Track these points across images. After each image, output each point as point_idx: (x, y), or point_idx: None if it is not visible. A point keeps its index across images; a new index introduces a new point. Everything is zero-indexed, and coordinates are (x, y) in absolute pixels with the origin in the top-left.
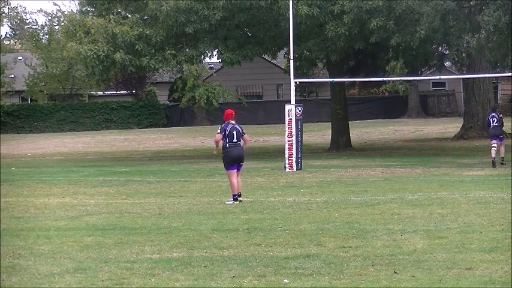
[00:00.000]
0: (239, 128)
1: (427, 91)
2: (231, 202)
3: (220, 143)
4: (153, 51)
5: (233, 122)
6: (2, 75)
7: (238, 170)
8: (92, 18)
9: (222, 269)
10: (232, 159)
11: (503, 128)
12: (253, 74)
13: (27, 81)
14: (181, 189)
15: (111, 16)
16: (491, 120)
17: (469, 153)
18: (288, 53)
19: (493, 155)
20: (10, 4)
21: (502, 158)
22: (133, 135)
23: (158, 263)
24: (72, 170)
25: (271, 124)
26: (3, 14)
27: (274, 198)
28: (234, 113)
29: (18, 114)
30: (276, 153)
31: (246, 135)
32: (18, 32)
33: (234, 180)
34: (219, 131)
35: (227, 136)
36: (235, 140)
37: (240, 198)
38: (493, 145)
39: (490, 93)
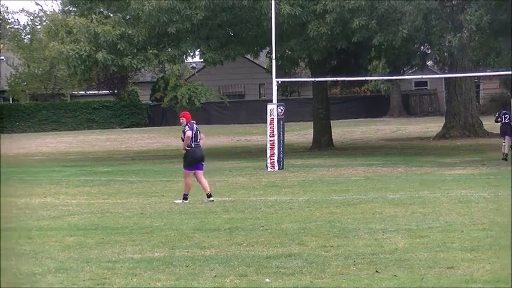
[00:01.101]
0: (199, 129)
1: (409, 90)
2: (181, 201)
3: (189, 141)
4: (135, 50)
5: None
6: None
7: (201, 170)
8: (74, 17)
9: (204, 269)
10: (196, 159)
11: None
12: (236, 73)
13: (9, 81)
14: (163, 189)
15: (93, 16)
16: (503, 117)
17: (451, 152)
18: (270, 52)
19: (505, 151)
20: None
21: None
22: (115, 135)
23: (140, 263)
24: (54, 169)
25: (253, 124)
26: None
27: (256, 197)
28: (189, 115)
29: (0, 114)
30: (257, 153)
31: (203, 137)
32: (0, 32)
33: (190, 180)
34: (189, 129)
35: (193, 136)
36: (198, 140)
37: (209, 200)
38: (503, 141)
39: (472, 92)
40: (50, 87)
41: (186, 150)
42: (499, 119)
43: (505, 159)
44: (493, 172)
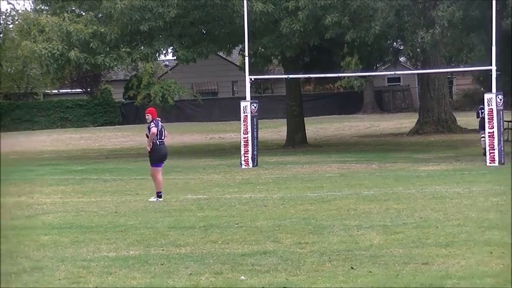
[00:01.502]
0: (163, 127)
1: (382, 86)
2: (155, 199)
3: (154, 138)
4: (107, 49)
5: (158, 119)
6: None
7: (160, 167)
8: (46, 16)
9: (179, 267)
10: (161, 156)
11: None
12: (209, 71)
13: None
14: (138, 187)
15: (66, 14)
16: (480, 112)
17: (425, 148)
18: (243, 49)
19: (483, 146)
20: None
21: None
22: (89, 133)
23: (115, 261)
24: (28, 168)
25: (227, 121)
26: None
27: (230, 195)
28: (154, 111)
29: None
30: (231, 150)
31: (166, 135)
32: None
33: (160, 177)
34: (154, 126)
35: (158, 133)
36: (163, 137)
37: (157, 199)
38: (482, 136)
39: (445, 88)
40: (22, 86)
41: (151, 147)
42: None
43: (485, 154)
44: (467, 168)
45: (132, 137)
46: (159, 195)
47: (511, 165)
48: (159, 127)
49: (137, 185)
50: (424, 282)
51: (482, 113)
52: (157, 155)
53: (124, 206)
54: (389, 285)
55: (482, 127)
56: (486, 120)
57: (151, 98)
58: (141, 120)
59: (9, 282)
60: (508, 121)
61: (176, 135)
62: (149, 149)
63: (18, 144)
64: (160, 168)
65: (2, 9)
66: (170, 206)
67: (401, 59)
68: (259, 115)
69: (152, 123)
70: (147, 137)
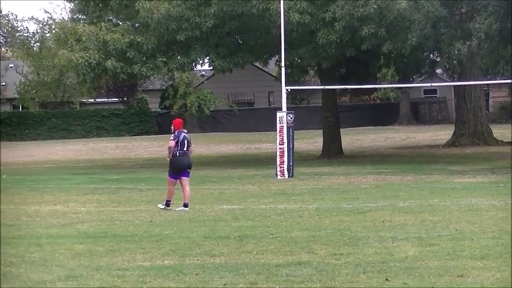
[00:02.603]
0: (188, 138)
1: (418, 98)
2: (162, 206)
3: (174, 149)
4: (144, 58)
5: (184, 131)
6: None
7: (187, 176)
8: (83, 25)
9: (214, 277)
10: (182, 167)
11: None
12: (245, 81)
13: (18, 89)
14: (174, 197)
15: (103, 24)
16: None
17: (460, 160)
18: (279, 60)
19: None
20: (1, 12)
21: None
22: (125, 142)
23: (149, 271)
24: (63, 177)
25: (263, 131)
26: None
27: (265, 205)
28: (181, 122)
29: (10, 121)
30: (267, 161)
31: (192, 146)
32: (9, 40)
33: (173, 188)
34: (172, 138)
35: (179, 144)
36: (185, 148)
37: (184, 209)
38: None
39: (481, 100)
40: (59, 95)
41: (170, 158)
42: None
43: None
44: (503, 180)
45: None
46: (167, 204)
47: None
48: (180, 138)
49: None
50: None
51: None
52: (174, 167)
53: (159, 216)
54: None
55: None
56: None
57: (188, 108)
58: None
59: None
60: None
61: (212, 146)
62: (169, 161)
63: (54, 153)
64: (174, 179)
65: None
66: (205, 216)
67: (438, 70)
68: (295, 126)
69: (173, 135)
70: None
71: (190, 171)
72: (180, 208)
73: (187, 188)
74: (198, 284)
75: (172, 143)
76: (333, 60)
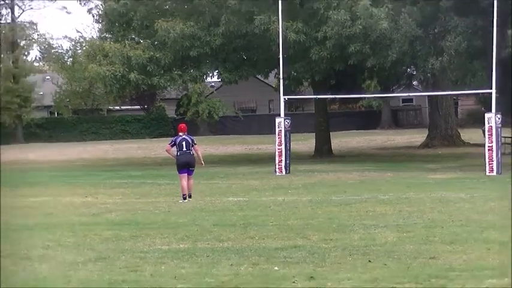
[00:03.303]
0: (189, 139)
1: (397, 106)
2: (181, 201)
3: (173, 151)
4: (162, 71)
5: (184, 134)
6: (32, 92)
7: (189, 174)
8: (110, 43)
9: (222, 258)
10: (181, 164)
11: None
12: (248, 91)
13: (54, 98)
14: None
15: (126, 41)
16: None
17: (433, 159)
18: (278, 73)
19: None
20: (39, 31)
21: None
22: (146, 144)
23: (167, 253)
24: (93, 173)
25: (264, 134)
26: (33, 40)
27: (266, 197)
28: (185, 127)
29: (47, 126)
30: (267, 160)
31: (196, 146)
32: (46, 55)
33: (184, 182)
34: (169, 143)
35: (177, 146)
36: (184, 149)
37: (189, 199)
38: None
39: (451, 108)
40: (89, 103)
41: (175, 157)
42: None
43: None
44: (469, 176)
45: None
46: (183, 197)
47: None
48: (177, 141)
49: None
50: (431, 273)
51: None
52: (177, 164)
53: (175, 207)
54: (401, 276)
55: None
56: (486, 136)
57: (199, 114)
58: (190, 133)
59: (77, 270)
60: (506, 137)
61: (220, 146)
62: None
63: (86, 152)
64: (182, 175)
65: (72, 37)
66: (215, 206)
67: (414, 82)
68: (292, 129)
69: (172, 138)
70: None
71: (194, 168)
72: (181, 201)
73: (191, 181)
74: (209, 264)
75: (167, 147)
76: (324, 73)
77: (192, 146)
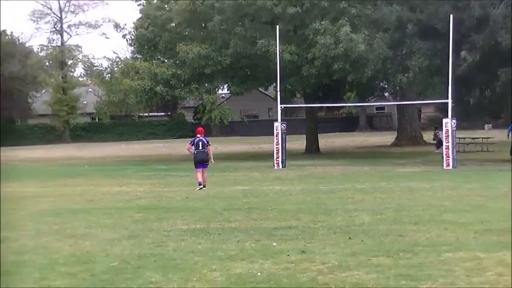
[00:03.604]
0: (205, 140)
1: (372, 113)
2: (197, 188)
3: (192, 149)
4: (182, 85)
5: (201, 136)
6: (77, 102)
7: (204, 167)
8: (140, 62)
9: (230, 236)
10: (198, 161)
11: None
12: (252, 101)
13: (95, 106)
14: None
15: (153, 61)
16: (437, 134)
17: (401, 156)
18: (276, 86)
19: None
20: (83, 52)
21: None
22: (169, 143)
23: (186, 232)
24: (126, 167)
25: (265, 136)
26: (78, 59)
27: (266, 187)
28: (202, 130)
29: (89, 129)
30: (267, 156)
31: (209, 146)
32: (89, 72)
33: (199, 174)
34: (189, 143)
35: (195, 145)
36: (200, 148)
37: (203, 188)
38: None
39: (415, 114)
40: (123, 111)
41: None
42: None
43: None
44: (431, 170)
45: None
46: (199, 184)
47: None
48: (195, 142)
49: None
50: (399, 248)
51: (439, 134)
52: (194, 160)
53: (193, 194)
54: (375, 250)
55: (439, 144)
56: (444, 137)
57: (212, 120)
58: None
59: (113, 245)
60: (459, 137)
61: (229, 145)
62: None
63: (121, 151)
64: (198, 169)
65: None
66: (224, 194)
67: (386, 94)
68: (287, 132)
69: (191, 140)
70: None
71: (208, 163)
72: (198, 188)
73: (205, 174)
74: (220, 241)
75: (188, 146)
76: (313, 87)
77: (207, 146)
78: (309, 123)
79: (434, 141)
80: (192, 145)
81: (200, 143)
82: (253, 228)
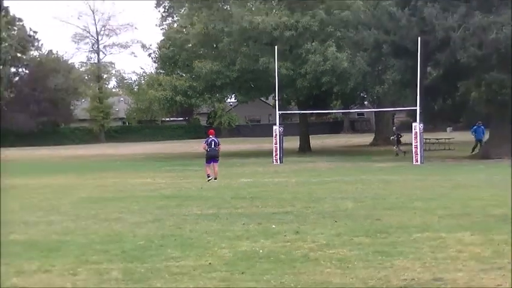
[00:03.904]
0: (216, 140)
1: (354, 118)
2: (208, 179)
3: (206, 147)
4: (197, 95)
5: (213, 136)
6: (111, 109)
7: (215, 162)
8: (163, 76)
9: (237, 220)
10: (209, 157)
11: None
12: (255, 108)
13: (125, 112)
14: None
15: (174, 75)
16: (396, 134)
17: (378, 153)
18: (275, 96)
19: (396, 152)
20: (116, 68)
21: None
22: (186, 143)
23: (200, 216)
24: (151, 163)
25: (265, 137)
26: (112, 74)
27: (267, 179)
28: (213, 132)
29: (121, 131)
30: (268, 154)
31: (219, 145)
32: (120, 84)
33: (208, 169)
34: (204, 142)
35: (208, 144)
36: (212, 146)
37: (214, 180)
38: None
39: (389, 119)
40: (148, 116)
41: (206, 151)
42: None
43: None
44: (402, 165)
45: None
46: (208, 177)
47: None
48: (209, 141)
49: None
50: (376, 229)
51: (398, 135)
52: (207, 156)
53: (206, 185)
54: (357, 231)
55: (396, 143)
56: (412, 137)
57: (222, 123)
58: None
59: (140, 228)
60: (426, 138)
61: (236, 145)
62: (206, 151)
63: (146, 149)
64: (208, 164)
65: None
66: (232, 185)
67: (365, 102)
68: (284, 133)
69: (205, 140)
70: None
71: (218, 159)
72: (212, 180)
73: (217, 169)
74: (228, 224)
75: (203, 145)
76: (305, 96)
77: (218, 145)
78: (302, 126)
79: (393, 139)
80: (206, 144)
81: (212, 142)
82: (256, 214)
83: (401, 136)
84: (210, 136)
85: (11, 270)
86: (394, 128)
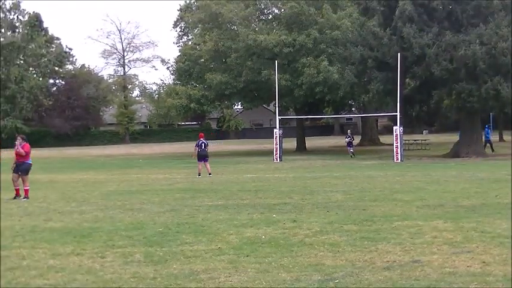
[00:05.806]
0: (205, 142)
1: (343, 122)
2: (198, 176)
3: (196, 148)
4: (209, 103)
5: (203, 139)
6: (135, 114)
7: (206, 161)
8: (179, 87)
9: (243, 210)
10: (200, 156)
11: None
12: (258, 113)
13: (147, 118)
14: (223, 171)
15: (188, 85)
16: (348, 138)
17: (364, 153)
18: (275, 103)
19: (350, 153)
20: (139, 79)
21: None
22: None
23: (211, 207)
24: (169, 161)
25: (267, 139)
26: (135, 84)
27: (268, 175)
28: (203, 135)
29: (143, 134)
30: (269, 153)
31: (207, 146)
32: (143, 93)
33: (200, 166)
34: (195, 145)
35: (199, 146)
36: (203, 147)
37: (209, 175)
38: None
39: (374, 123)
40: (167, 121)
41: (196, 152)
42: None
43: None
44: (385, 162)
45: (222, 146)
46: (199, 174)
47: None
48: (199, 144)
49: (222, 170)
50: (363, 218)
51: (349, 137)
52: (198, 156)
53: (216, 180)
54: (346, 220)
55: (349, 145)
56: (394, 139)
57: (230, 127)
58: (223, 138)
59: (159, 217)
60: (405, 139)
61: (242, 145)
62: (192, 156)
63: (164, 149)
64: (200, 162)
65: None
66: (238, 180)
67: (353, 109)
68: (283, 136)
69: (196, 142)
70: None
71: (208, 158)
72: (207, 175)
73: (208, 166)
74: (235, 213)
75: (195, 148)
76: (302, 104)
77: (206, 146)
78: (299, 129)
79: (347, 139)
80: (196, 146)
81: (202, 144)
82: (259, 204)
83: (353, 140)
84: (201, 139)
85: (48, 253)
86: (348, 131)
